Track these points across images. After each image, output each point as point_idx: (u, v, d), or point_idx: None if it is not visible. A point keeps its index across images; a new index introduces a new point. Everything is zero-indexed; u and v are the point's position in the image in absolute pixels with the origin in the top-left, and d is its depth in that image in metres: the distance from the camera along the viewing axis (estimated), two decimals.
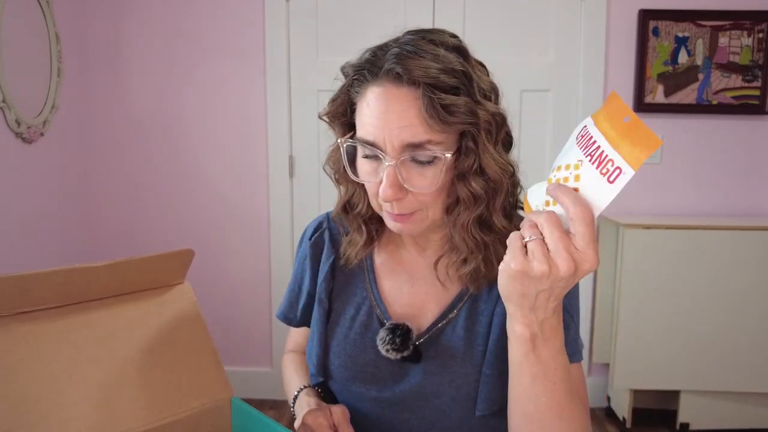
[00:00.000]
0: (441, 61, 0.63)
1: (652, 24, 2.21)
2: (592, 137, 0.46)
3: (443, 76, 0.63)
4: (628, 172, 0.44)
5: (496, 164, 0.67)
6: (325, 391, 0.86)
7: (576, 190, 0.48)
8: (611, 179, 0.45)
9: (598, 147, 0.46)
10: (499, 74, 0.74)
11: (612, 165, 0.45)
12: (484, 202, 0.69)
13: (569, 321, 0.75)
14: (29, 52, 1.98)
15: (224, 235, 2.43)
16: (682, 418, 2.14)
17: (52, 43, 2.09)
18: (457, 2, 2.27)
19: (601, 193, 0.46)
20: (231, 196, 2.41)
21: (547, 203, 0.51)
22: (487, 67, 0.73)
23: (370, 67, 0.66)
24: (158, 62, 2.36)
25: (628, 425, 2.21)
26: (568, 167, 0.49)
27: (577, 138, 0.49)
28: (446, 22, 2.27)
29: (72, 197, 2.31)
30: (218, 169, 2.40)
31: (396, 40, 0.68)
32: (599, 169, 0.46)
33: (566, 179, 0.49)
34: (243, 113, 2.37)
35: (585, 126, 0.48)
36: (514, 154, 0.74)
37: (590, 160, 0.46)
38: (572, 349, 0.74)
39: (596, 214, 0.48)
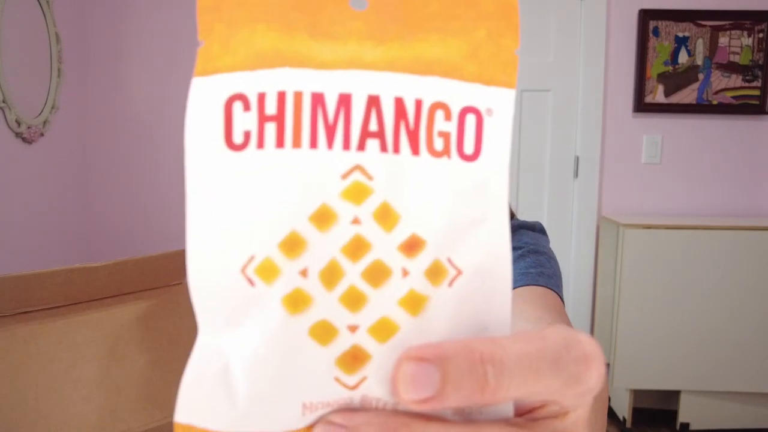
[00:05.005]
0: None
1: (652, 24, 2.21)
2: None
3: None
4: None
5: None
6: None
7: None
8: None
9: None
10: None
11: None
12: None
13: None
14: (29, 52, 1.98)
15: None
16: (682, 418, 2.14)
17: (52, 44, 2.08)
18: None
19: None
20: None
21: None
22: None
23: None
24: (158, 62, 2.36)
25: (628, 425, 2.20)
26: None
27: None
28: None
29: (72, 197, 2.31)
30: None
31: None
32: None
33: None
34: None
35: None
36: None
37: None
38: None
39: None
